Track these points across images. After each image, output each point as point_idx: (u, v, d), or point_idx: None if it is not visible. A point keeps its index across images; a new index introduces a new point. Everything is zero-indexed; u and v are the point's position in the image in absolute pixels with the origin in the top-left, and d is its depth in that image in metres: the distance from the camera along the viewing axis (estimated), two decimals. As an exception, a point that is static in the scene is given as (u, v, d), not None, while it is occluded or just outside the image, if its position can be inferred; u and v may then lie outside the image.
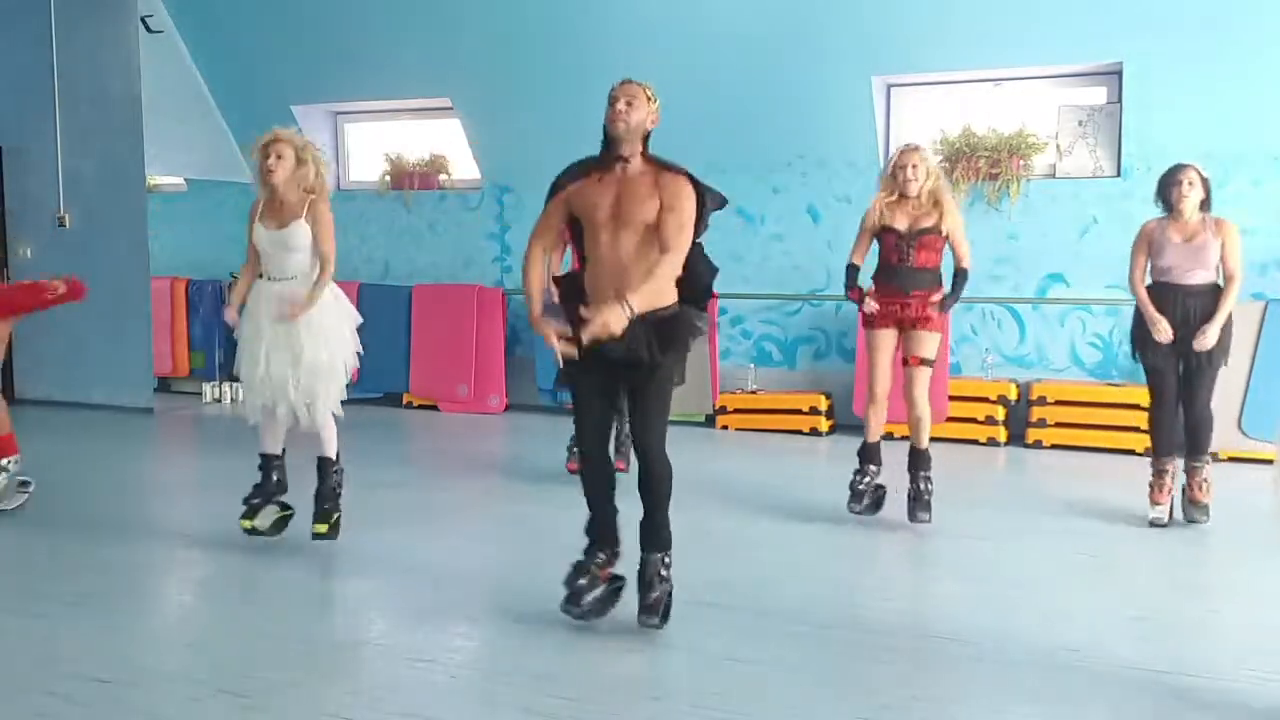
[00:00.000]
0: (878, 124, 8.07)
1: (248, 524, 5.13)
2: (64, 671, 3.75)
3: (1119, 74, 7.52)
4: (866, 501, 5.62)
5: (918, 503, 5.49)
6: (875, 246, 5.60)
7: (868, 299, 5.50)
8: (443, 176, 9.78)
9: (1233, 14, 6.90)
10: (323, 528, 5.08)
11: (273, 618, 4.36)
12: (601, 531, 4.18)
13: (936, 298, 5.46)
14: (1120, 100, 7.57)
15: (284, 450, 5.24)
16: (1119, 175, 7.60)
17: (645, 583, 4.08)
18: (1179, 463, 5.61)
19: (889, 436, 7.46)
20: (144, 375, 9.34)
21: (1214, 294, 5.45)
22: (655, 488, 4.06)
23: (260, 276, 5.09)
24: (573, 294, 4.09)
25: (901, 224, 5.46)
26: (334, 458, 5.18)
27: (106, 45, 9.06)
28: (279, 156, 4.94)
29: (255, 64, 9.48)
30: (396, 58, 9.02)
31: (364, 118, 10.15)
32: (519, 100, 8.80)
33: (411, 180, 9.81)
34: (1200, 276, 5.45)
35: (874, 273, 5.62)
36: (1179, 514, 5.63)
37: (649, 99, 3.98)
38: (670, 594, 4.10)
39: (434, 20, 8.67)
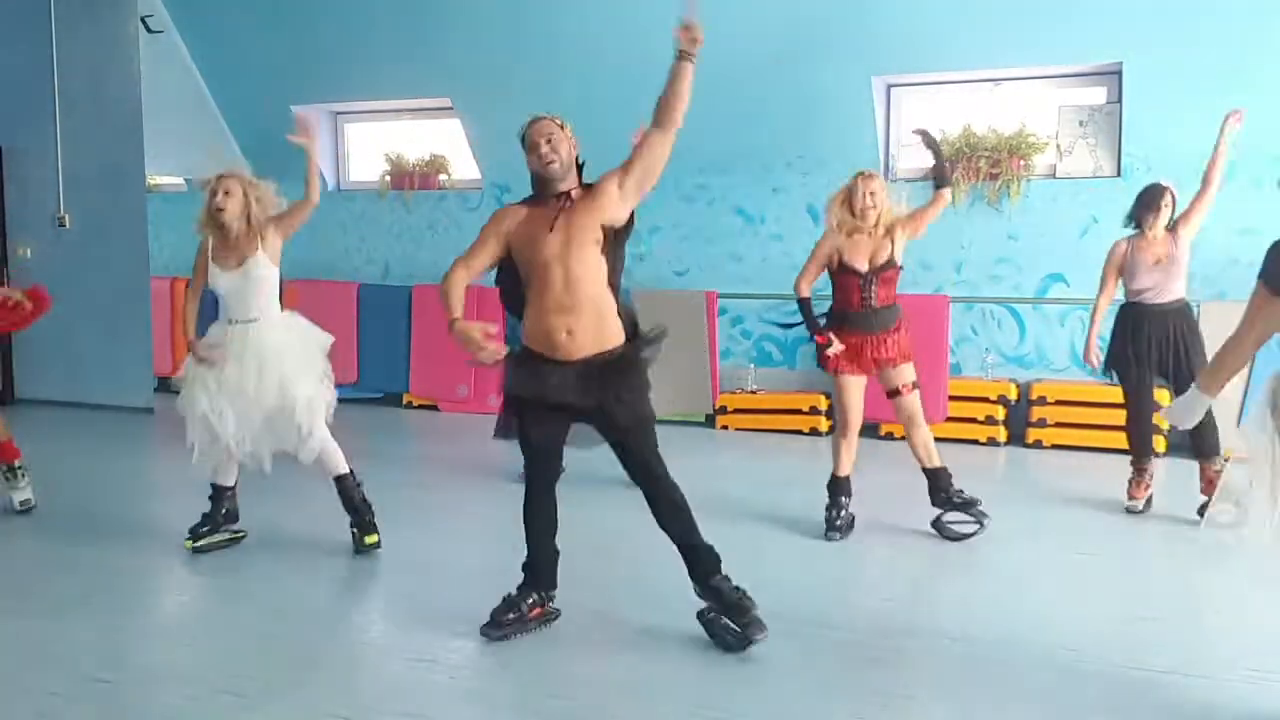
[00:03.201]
0: (878, 124, 8.06)
1: (190, 545, 5.18)
2: (64, 671, 3.76)
3: (1119, 74, 7.51)
4: (844, 534, 5.44)
5: (942, 529, 5.38)
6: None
7: (835, 341, 5.28)
8: (443, 176, 9.78)
9: (1232, 14, 6.89)
10: (373, 538, 5.12)
11: (273, 618, 4.36)
12: (539, 573, 4.14)
13: (901, 333, 5.30)
14: (1120, 100, 7.57)
15: (236, 481, 5.27)
16: (1119, 175, 7.59)
17: (733, 606, 3.92)
18: (1157, 462, 5.90)
19: (889, 436, 7.57)
20: (144, 375, 9.33)
21: (1186, 310, 5.81)
22: (678, 517, 3.98)
23: (228, 322, 5.04)
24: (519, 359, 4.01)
25: (861, 263, 5.26)
26: (349, 472, 5.18)
27: (106, 45, 9.04)
28: (227, 193, 4.97)
29: (255, 64, 9.47)
30: (396, 58, 9.01)
31: (364, 118, 10.14)
32: (519, 100, 8.73)
33: (411, 180, 9.81)
34: (1173, 294, 5.77)
35: (832, 317, 5.38)
36: (1193, 513, 5.65)
37: (562, 127, 3.99)
38: (745, 598, 3.96)
39: (434, 20, 8.66)
